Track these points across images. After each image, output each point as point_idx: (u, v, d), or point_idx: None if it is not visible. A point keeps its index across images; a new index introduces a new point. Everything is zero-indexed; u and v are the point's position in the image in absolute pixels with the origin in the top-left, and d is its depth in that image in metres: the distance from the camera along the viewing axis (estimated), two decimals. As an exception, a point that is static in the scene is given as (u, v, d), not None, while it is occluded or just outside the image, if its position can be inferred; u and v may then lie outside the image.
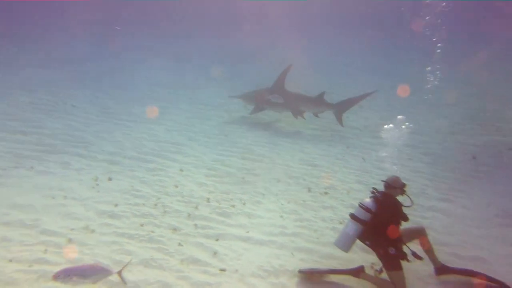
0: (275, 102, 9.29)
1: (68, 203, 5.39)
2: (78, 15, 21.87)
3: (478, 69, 14.51)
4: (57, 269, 3.95)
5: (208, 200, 5.86)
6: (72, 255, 4.27)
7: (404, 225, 4.17)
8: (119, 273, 3.58)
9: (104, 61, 15.29)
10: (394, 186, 4.18)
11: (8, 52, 15.19)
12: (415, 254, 3.96)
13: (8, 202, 5.22)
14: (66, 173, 6.31)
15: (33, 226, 4.73)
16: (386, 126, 6.29)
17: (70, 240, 4.52)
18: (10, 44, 16.38)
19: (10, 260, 4.05)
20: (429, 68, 10.02)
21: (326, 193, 6.42)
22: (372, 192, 4.24)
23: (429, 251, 4.31)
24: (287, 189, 6.48)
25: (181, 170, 6.85)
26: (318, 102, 9.36)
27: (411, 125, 6.10)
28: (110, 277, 3.58)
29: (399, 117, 6.31)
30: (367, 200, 4.14)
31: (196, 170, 6.92)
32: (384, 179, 4.33)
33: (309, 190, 6.49)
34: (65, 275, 3.29)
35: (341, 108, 9.43)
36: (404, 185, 4.22)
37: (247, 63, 16.79)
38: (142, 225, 5.04)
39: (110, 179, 6.22)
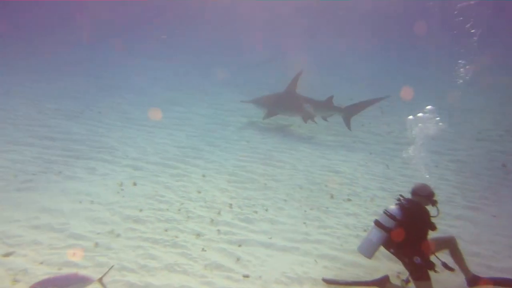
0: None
1: (94, 208, 5.50)
2: (88, 17, 22.51)
3: (504, 73, 14.13)
4: (85, 272, 4.06)
5: (230, 205, 5.88)
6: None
7: (432, 234, 4.06)
8: (100, 280, 3.56)
9: (119, 67, 15.60)
10: (420, 194, 4.07)
11: (29, 59, 15.66)
12: (445, 265, 3.84)
13: (37, 206, 5.37)
14: (92, 178, 6.45)
15: (61, 230, 4.85)
16: (411, 117, 6.03)
17: (96, 244, 4.60)
18: (28, 52, 16.86)
19: (41, 263, 4.15)
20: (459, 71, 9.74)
21: (349, 199, 6.34)
22: (398, 199, 4.15)
23: (460, 261, 4.16)
24: (309, 196, 6.43)
25: (203, 175, 6.90)
26: (327, 106, 9.39)
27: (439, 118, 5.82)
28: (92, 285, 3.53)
29: (428, 107, 6.06)
30: (392, 207, 4.05)
31: (218, 175, 6.96)
32: (413, 186, 4.23)
33: (332, 196, 6.42)
34: (42, 287, 3.23)
35: (349, 112, 9.41)
36: (432, 193, 4.08)
37: (262, 68, 16.83)
38: (166, 230, 5.09)
39: (134, 184, 6.33)
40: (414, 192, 4.12)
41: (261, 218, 5.60)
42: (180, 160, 7.49)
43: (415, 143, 5.97)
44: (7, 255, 4.23)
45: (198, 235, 5.04)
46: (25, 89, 11.54)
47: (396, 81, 15.32)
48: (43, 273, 3.97)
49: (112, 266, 4.01)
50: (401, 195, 4.20)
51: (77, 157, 7.29)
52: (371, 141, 9.31)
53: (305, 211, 5.91)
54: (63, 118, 9.38)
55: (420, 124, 5.90)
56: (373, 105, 9.50)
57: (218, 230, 5.18)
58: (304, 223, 5.56)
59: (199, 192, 6.27)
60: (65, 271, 4.05)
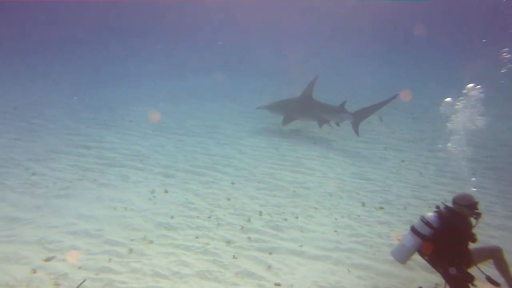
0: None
1: (128, 215, 5.64)
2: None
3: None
4: (121, 277, 4.16)
5: (260, 213, 5.88)
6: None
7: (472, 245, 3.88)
8: None
9: (150, 77, 16.05)
10: (461, 204, 3.88)
11: (73, 73, 16.40)
12: (490, 279, 3.62)
13: (74, 212, 5.57)
14: (125, 186, 6.63)
15: (97, 236, 4.99)
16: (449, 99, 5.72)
17: (130, 250, 4.71)
18: (72, 66, 17.68)
19: (80, 268, 4.29)
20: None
21: (381, 208, 6.19)
22: (437, 207, 4.00)
23: (506, 274, 3.91)
24: (340, 203, 6.33)
25: (233, 183, 6.94)
26: (341, 111, 9.36)
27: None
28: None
29: (469, 85, 5.73)
30: (430, 215, 3.91)
31: (247, 183, 6.98)
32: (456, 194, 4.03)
33: (363, 204, 6.29)
34: None
35: (358, 117, 9.33)
36: (474, 204, 3.79)
37: (286, 75, 16.80)
38: (197, 237, 5.14)
39: (166, 191, 6.45)
40: (455, 201, 3.94)
41: (291, 226, 5.55)
42: (209, 168, 7.57)
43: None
44: (48, 259, 4.40)
45: (229, 242, 5.06)
46: (66, 100, 12.09)
47: (429, 86, 14.93)
48: (81, 277, 4.10)
49: (84, 280, 4.02)
50: (443, 203, 4.03)
51: (110, 165, 7.51)
52: (403, 148, 9.07)
53: (336, 219, 5.82)
54: (98, 127, 9.72)
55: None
56: (381, 108, 9.30)
57: (249, 238, 5.18)
58: (335, 231, 5.46)
59: (229, 199, 6.30)
60: (102, 276, 4.17)
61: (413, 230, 3.88)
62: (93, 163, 7.54)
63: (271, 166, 7.80)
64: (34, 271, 4.17)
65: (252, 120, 11.05)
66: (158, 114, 11.18)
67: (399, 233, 5.34)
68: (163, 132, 9.73)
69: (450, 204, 3.97)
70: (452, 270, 3.64)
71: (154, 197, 6.27)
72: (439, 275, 3.87)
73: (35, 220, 5.23)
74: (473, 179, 6.76)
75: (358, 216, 5.91)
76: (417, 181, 7.25)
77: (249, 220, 5.64)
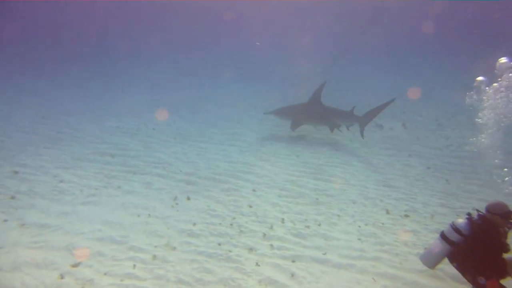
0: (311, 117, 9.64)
1: (151, 221, 5.71)
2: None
3: None
4: (145, 284, 4.20)
5: (282, 220, 5.84)
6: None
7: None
8: None
9: (172, 85, 16.33)
10: (494, 212, 3.73)
11: (97, 81, 16.90)
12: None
13: (100, 219, 5.68)
14: (148, 193, 6.72)
15: (122, 242, 5.07)
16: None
17: (154, 257, 4.75)
18: (98, 74, 18.22)
19: (105, 274, 4.36)
20: None
21: (406, 215, 6.04)
22: (469, 214, 3.85)
23: None
24: (363, 211, 6.22)
25: (254, 190, 6.93)
26: (351, 116, 9.47)
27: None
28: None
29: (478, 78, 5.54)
30: (460, 221, 3.77)
31: (269, 190, 6.96)
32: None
33: (388, 212, 6.16)
34: None
35: (364, 121, 9.44)
36: (508, 212, 3.60)
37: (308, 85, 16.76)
38: (219, 244, 5.14)
39: (188, 198, 6.50)
40: (488, 209, 3.79)
41: (314, 233, 5.49)
42: (231, 175, 7.60)
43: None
44: (75, 265, 4.49)
45: (251, 249, 5.03)
46: (91, 109, 12.44)
47: (454, 93, 14.55)
48: (107, 283, 4.16)
49: None
50: (477, 210, 3.89)
51: (134, 172, 7.64)
52: (429, 155, 8.86)
53: (360, 226, 5.71)
54: (122, 135, 9.93)
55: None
56: (383, 110, 9.36)
57: (271, 245, 5.15)
58: (359, 239, 5.36)
59: (251, 206, 6.29)
60: (127, 282, 4.22)
61: (443, 236, 3.77)
62: (118, 170, 7.68)
63: (293, 173, 7.76)
64: (62, 277, 4.26)
65: (273, 127, 11.05)
66: (183, 122, 11.35)
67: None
68: (185, 140, 9.84)
69: (482, 212, 3.83)
70: (481, 280, 3.50)
71: (177, 204, 6.33)
72: (469, 284, 3.73)
73: (63, 227, 5.36)
74: (506, 190, 6.50)
75: (383, 224, 5.78)
76: (443, 189, 7.05)
77: (271, 227, 5.61)
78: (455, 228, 3.70)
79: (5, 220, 5.43)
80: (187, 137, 10.09)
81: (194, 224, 5.67)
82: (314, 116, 9.69)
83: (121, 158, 8.33)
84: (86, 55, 22.33)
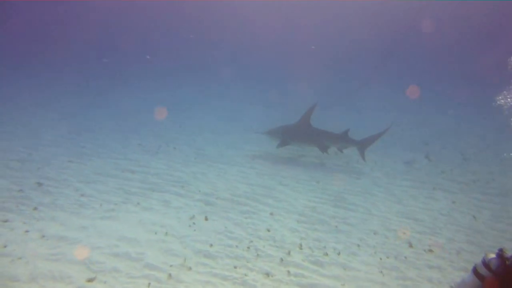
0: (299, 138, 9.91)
1: (168, 240, 5.66)
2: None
3: None
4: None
5: (300, 246, 5.68)
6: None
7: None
8: None
9: (195, 106, 16.60)
10: None
11: (124, 101, 17.38)
12: None
13: (117, 234, 5.67)
14: (166, 211, 6.70)
15: (138, 260, 5.02)
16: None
17: (170, 276, 4.68)
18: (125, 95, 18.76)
19: (119, 290, 4.31)
20: None
21: (430, 251, 5.78)
22: (500, 249, 3.64)
23: None
24: (385, 242, 6.00)
25: (273, 214, 6.82)
26: (343, 139, 9.59)
27: None
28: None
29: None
30: (492, 257, 3.57)
31: (288, 215, 6.83)
32: None
33: (411, 245, 5.92)
34: None
35: (364, 145, 9.56)
36: None
37: (331, 108, 16.77)
38: (235, 267, 5.03)
39: (206, 219, 6.44)
40: None
41: (332, 262, 5.31)
42: (249, 198, 7.52)
43: None
44: (90, 280, 4.46)
45: (268, 274, 4.89)
46: (116, 126, 12.73)
47: (483, 127, 14.22)
48: (120, 299, 4.10)
49: None
50: None
51: (153, 189, 7.67)
52: (454, 189, 8.56)
53: (381, 258, 5.49)
54: (144, 153, 10.06)
55: None
56: (382, 136, 9.58)
57: (288, 271, 4.99)
58: (381, 272, 5.14)
59: (269, 230, 6.17)
60: (140, 300, 4.15)
61: (474, 270, 3.57)
62: (137, 187, 7.73)
63: (312, 199, 7.62)
64: (77, 290, 4.23)
65: (293, 152, 10.99)
66: (203, 143, 11.44)
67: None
68: (205, 160, 9.88)
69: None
70: None
71: (194, 223, 6.27)
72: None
73: (81, 240, 5.37)
74: None
75: (405, 257, 5.55)
76: (470, 225, 6.75)
77: (289, 253, 5.46)
78: (484, 263, 3.51)
79: (27, 231, 5.49)
80: (207, 157, 10.13)
81: (211, 245, 5.58)
82: (303, 137, 9.97)
83: (141, 175, 8.40)
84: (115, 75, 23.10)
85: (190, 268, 4.92)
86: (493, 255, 3.58)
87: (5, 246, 5.02)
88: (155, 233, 5.81)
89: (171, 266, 4.95)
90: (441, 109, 17.99)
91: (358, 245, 5.86)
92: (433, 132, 13.74)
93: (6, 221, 5.76)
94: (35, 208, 6.27)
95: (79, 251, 5.06)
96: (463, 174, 9.45)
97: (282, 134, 10.14)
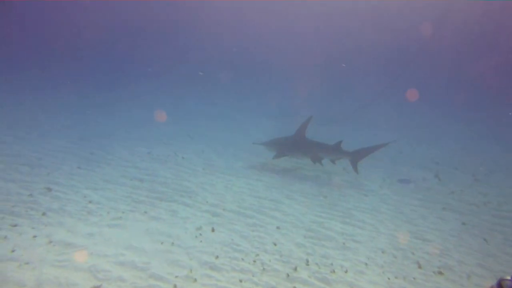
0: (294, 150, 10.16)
1: (174, 250, 5.63)
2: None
3: None
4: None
5: (307, 262, 5.61)
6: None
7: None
8: None
9: (203, 116, 16.70)
10: None
11: (133, 111, 17.56)
12: None
13: (124, 243, 5.66)
14: (174, 221, 6.69)
15: (144, 269, 5.00)
16: None
17: (175, 287, 4.63)
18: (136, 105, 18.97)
19: (124, 299, 4.28)
20: None
21: (440, 273, 5.67)
22: None
23: None
24: (393, 262, 5.90)
25: (279, 228, 6.76)
26: (336, 150, 9.72)
27: None
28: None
29: None
30: (508, 279, 3.48)
31: (295, 229, 6.77)
32: None
33: (420, 266, 5.81)
34: None
35: (356, 157, 9.66)
36: None
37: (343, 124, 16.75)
38: (241, 281, 4.97)
39: (213, 230, 6.41)
40: None
41: (339, 280, 5.22)
42: (256, 210, 7.48)
43: None
44: None
45: (274, 291, 4.83)
46: (126, 134, 12.83)
47: (496, 148, 14.09)
48: (125, 309, 4.06)
49: None
50: None
51: (161, 199, 7.67)
52: (464, 210, 8.42)
53: (389, 278, 5.39)
54: (152, 161, 10.11)
55: None
56: (378, 150, 9.58)
57: (294, 287, 4.93)
58: (389, 292, 5.04)
59: (275, 244, 6.11)
60: (145, 311, 4.10)
61: None
62: (145, 195, 7.74)
63: (320, 214, 7.55)
64: (82, 298, 4.21)
65: (301, 166, 10.95)
66: (212, 153, 11.46)
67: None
68: (213, 171, 9.88)
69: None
70: None
71: (201, 234, 6.24)
72: None
73: (88, 247, 5.37)
74: None
75: (414, 278, 5.44)
76: (481, 248, 6.62)
77: (295, 269, 5.39)
78: (500, 285, 3.42)
79: (35, 236, 5.51)
80: (215, 168, 10.13)
81: (217, 257, 5.54)
82: (298, 149, 10.17)
83: (149, 184, 8.42)
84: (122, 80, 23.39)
85: (195, 280, 4.88)
86: (508, 277, 3.50)
87: (13, 251, 5.04)
88: (162, 243, 5.79)
89: (176, 277, 4.91)
90: (453, 127, 17.88)
91: (366, 264, 5.77)
92: (444, 151, 13.61)
93: (15, 225, 5.78)
94: (44, 214, 6.30)
95: (86, 258, 5.06)
96: (474, 195, 9.30)
97: (279, 146, 10.39)
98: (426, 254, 6.24)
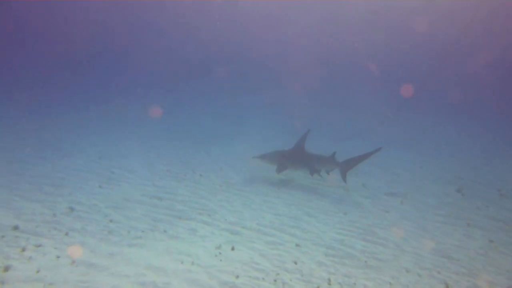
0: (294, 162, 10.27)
1: (194, 269, 5.61)
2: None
3: None
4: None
5: (329, 281, 5.50)
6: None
7: None
8: None
9: (220, 132, 16.78)
10: None
11: (151, 128, 17.85)
12: None
13: (144, 263, 5.68)
14: (193, 239, 6.69)
15: (164, 289, 4.99)
16: None
17: (196, 308, 4.60)
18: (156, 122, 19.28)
19: (146, 321, 4.27)
20: None
21: (468, 292, 5.46)
22: None
23: None
24: (418, 282, 5.72)
25: (299, 245, 6.67)
26: (330, 161, 9.80)
27: None
28: None
29: None
30: None
31: (315, 247, 6.66)
32: None
33: (447, 286, 5.60)
34: None
35: (346, 167, 9.71)
36: None
37: (354, 139, 16.59)
38: (262, 302, 4.90)
39: (232, 248, 6.37)
40: None
41: (364, 302, 5.08)
42: (276, 228, 7.42)
43: None
44: (117, 308, 4.45)
45: (296, 312, 4.73)
46: (146, 152, 13.01)
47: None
48: (147, 332, 4.04)
49: None
50: None
51: (180, 217, 7.70)
52: (491, 227, 8.14)
53: (415, 299, 5.23)
54: (171, 179, 10.19)
55: None
56: (368, 159, 9.50)
57: (317, 310, 4.82)
58: (415, 314, 4.88)
59: (296, 263, 6.02)
60: (167, 333, 4.08)
61: None
62: (164, 214, 7.79)
63: (341, 231, 7.43)
64: (104, 319, 4.22)
65: (319, 182, 10.84)
66: (230, 171, 11.48)
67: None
68: (230, 188, 9.87)
69: None
70: None
71: (220, 253, 6.21)
72: None
73: (109, 267, 5.41)
74: None
75: (442, 299, 5.25)
76: None
77: (317, 290, 5.29)
78: None
79: (58, 257, 5.59)
80: (233, 185, 10.13)
81: (237, 276, 5.49)
82: (297, 161, 10.31)
83: (168, 202, 8.47)
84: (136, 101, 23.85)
85: (216, 301, 4.84)
86: None
87: (38, 271, 5.12)
88: (182, 263, 5.78)
89: (197, 298, 4.88)
90: (475, 141, 17.50)
91: (390, 283, 5.61)
92: (466, 166, 13.29)
93: (39, 246, 5.89)
94: (66, 233, 6.40)
95: (107, 279, 5.09)
96: (500, 211, 8.99)
97: (279, 159, 10.52)
98: (453, 274, 6.03)
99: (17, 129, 15.25)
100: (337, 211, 8.62)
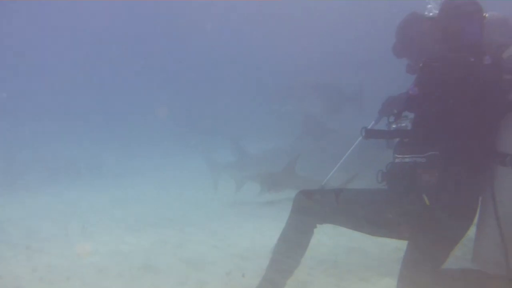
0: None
1: (203, 295, 5.54)
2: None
3: None
4: None
5: (340, 314, 5.35)
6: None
7: None
8: None
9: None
10: None
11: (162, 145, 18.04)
12: None
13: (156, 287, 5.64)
14: (203, 265, 6.62)
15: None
16: None
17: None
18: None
19: None
20: None
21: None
22: None
23: None
24: None
25: (310, 274, 6.54)
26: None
27: None
28: None
29: None
30: None
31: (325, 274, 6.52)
32: None
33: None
34: None
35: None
36: None
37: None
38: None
39: (243, 275, 6.29)
40: None
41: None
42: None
43: None
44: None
45: None
46: (158, 173, 13.16)
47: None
48: None
49: None
50: None
51: (190, 240, 7.66)
52: None
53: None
54: (183, 202, 10.24)
55: None
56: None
57: None
58: None
59: (307, 292, 5.90)
60: None
61: None
62: (175, 236, 7.78)
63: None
64: None
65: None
66: (239, 194, 11.48)
67: None
68: (241, 212, 9.83)
69: None
70: None
71: (230, 281, 6.13)
72: None
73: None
74: None
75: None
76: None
77: (329, 321, 5.15)
78: None
79: (68, 278, 5.62)
80: (244, 210, 10.10)
81: (247, 307, 5.39)
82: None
83: (179, 226, 8.47)
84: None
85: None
86: None
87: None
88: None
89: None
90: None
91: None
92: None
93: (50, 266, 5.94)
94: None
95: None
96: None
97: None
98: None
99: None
100: (346, 232, 8.47)
